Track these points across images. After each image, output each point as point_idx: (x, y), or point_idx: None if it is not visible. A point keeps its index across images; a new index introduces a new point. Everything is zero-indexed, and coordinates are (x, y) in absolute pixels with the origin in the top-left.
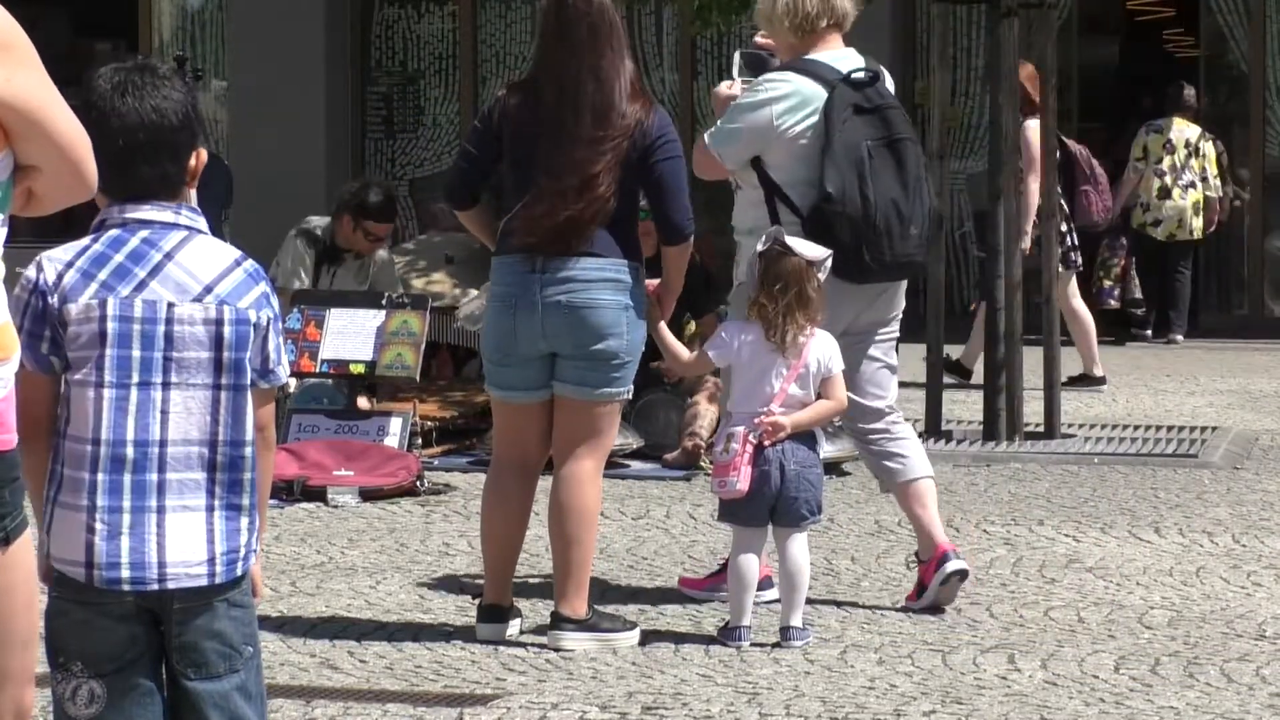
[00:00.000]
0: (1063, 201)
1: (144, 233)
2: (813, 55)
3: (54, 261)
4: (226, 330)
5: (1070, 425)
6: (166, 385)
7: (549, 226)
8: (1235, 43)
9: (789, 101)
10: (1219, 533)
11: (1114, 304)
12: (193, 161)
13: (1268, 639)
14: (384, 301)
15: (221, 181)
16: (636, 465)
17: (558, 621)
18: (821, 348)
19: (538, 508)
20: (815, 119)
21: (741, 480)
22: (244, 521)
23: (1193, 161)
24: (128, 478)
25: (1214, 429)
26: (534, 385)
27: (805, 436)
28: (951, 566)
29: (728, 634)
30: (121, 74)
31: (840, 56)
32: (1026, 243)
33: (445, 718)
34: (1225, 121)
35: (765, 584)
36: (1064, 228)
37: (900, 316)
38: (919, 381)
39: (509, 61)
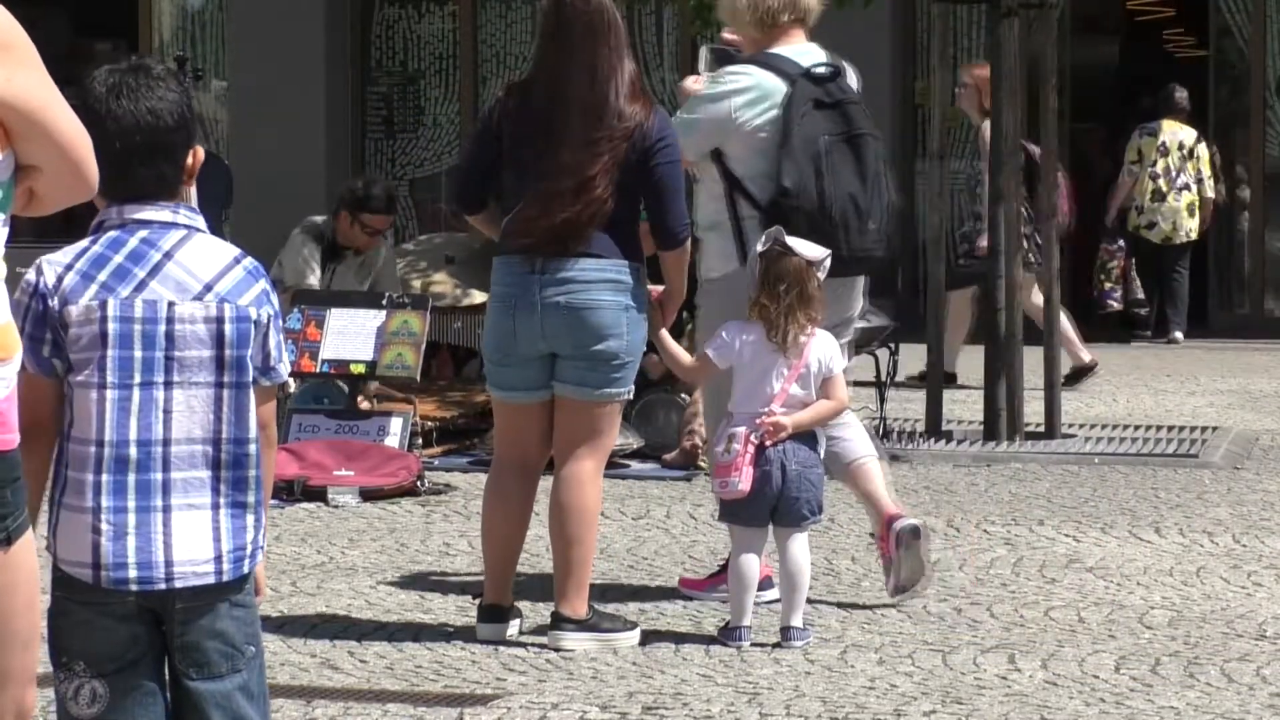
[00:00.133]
0: (1025, 205)
1: (143, 233)
2: (775, 49)
3: (53, 264)
4: (228, 328)
5: (1070, 425)
6: (169, 384)
7: (545, 228)
8: (1244, 42)
9: (749, 95)
10: (1219, 533)
11: (1116, 306)
12: (190, 160)
13: (1268, 639)
14: (384, 301)
15: (221, 181)
16: (636, 465)
17: (558, 621)
18: (822, 348)
19: (538, 508)
20: (775, 113)
21: (743, 481)
22: (250, 519)
23: (1187, 164)
24: (132, 478)
25: (1214, 429)
26: (534, 386)
27: (806, 436)
28: (900, 524)
29: (728, 634)
30: (116, 76)
31: (802, 51)
32: (985, 241)
33: (445, 718)
34: (1232, 121)
35: (765, 584)
36: (1025, 230)
37: (855, 318)
38: (917, 380)
39: (509, 61)
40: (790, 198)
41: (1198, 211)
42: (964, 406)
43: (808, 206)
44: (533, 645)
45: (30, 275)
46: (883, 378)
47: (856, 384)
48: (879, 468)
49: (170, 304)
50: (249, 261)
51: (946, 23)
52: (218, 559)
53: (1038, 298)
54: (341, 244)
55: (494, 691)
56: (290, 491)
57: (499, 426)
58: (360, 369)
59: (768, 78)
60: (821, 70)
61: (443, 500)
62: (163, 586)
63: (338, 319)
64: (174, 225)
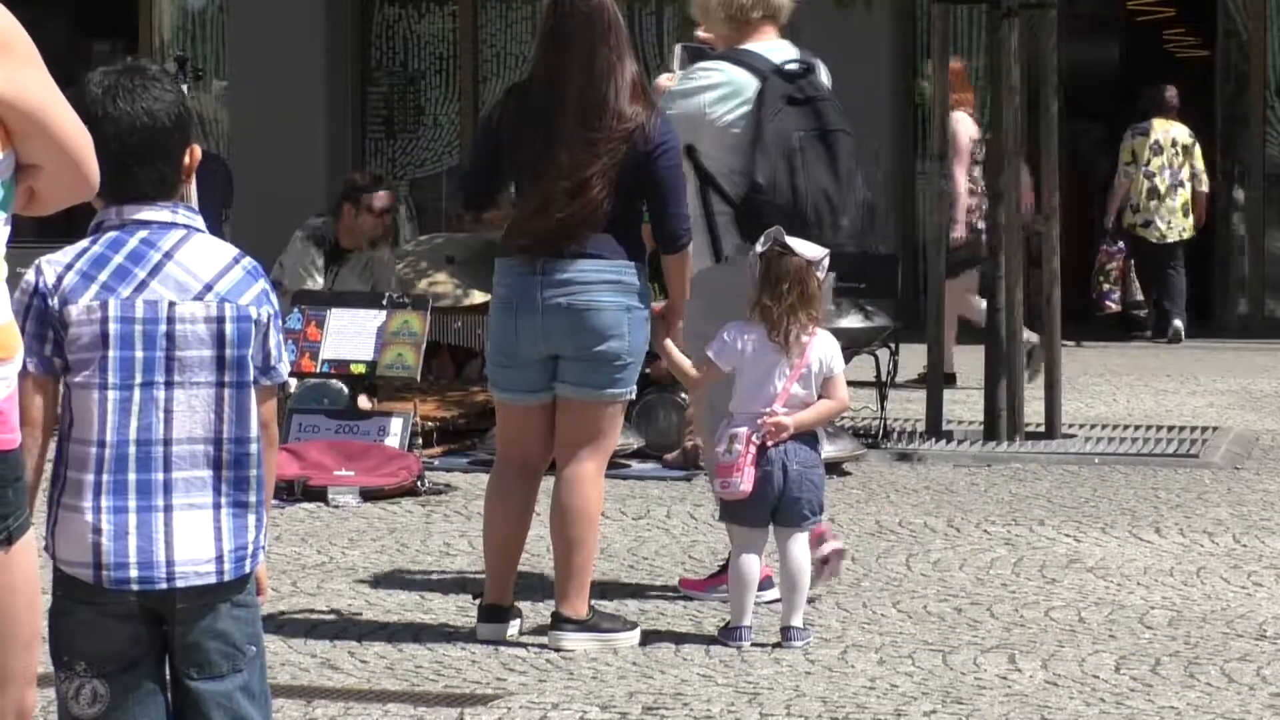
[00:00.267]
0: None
1: (142, 233)
2: (747, 46)
3: (53, 264)
4: (228, 327)
5: (1071, 425)
6: (169, 384)
7: (542, 228)
8: (1245, 42)
9: (720, 90)
10: (1220, 533)
11: (1115, 307)
12: (187, 160)
13: (1268, 639)
14: (385, 302)
15: (221, 181)
16: (637, 465)
17: (558, 622)
18: (823, 347)
19: (540, 508)
20: (747, 109)
21: (745, 481)
22: (251, 519)
23: (1179, 161)
24: (132, 477)
25: (1215, 429)
26: (536, 388)
27: (807, 437)
28: (831, 546)
29: (728, 634)
30: (112, 77)
31: (774, 48)
32: (959, 231)
33: (446, 718)
34: (1233, 121)
35: (765, 584)
36: (981, 225)
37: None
38: (917, 380)
39: (509, 61)
40: (764, 193)
41: (1192, 210)
42: (964, 406)
43: (781, 202)
44: (533, 645)
45: (30, 275)
46: (883, 378)
47: (855, 384)
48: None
49: (171, 304)
50: (248, 261)
51: (946, 23)
52: (219, 559)
53: (978, 300)
54: (345, 244)
55: (494, 691)
56: (290, 491)
57: (501, 427)
58: (360, 369)
59: (739, 74)
60: (793, 67)
61: (443, 500)
62: (164, 586)
63: (338, 319)
64: (173, 225)
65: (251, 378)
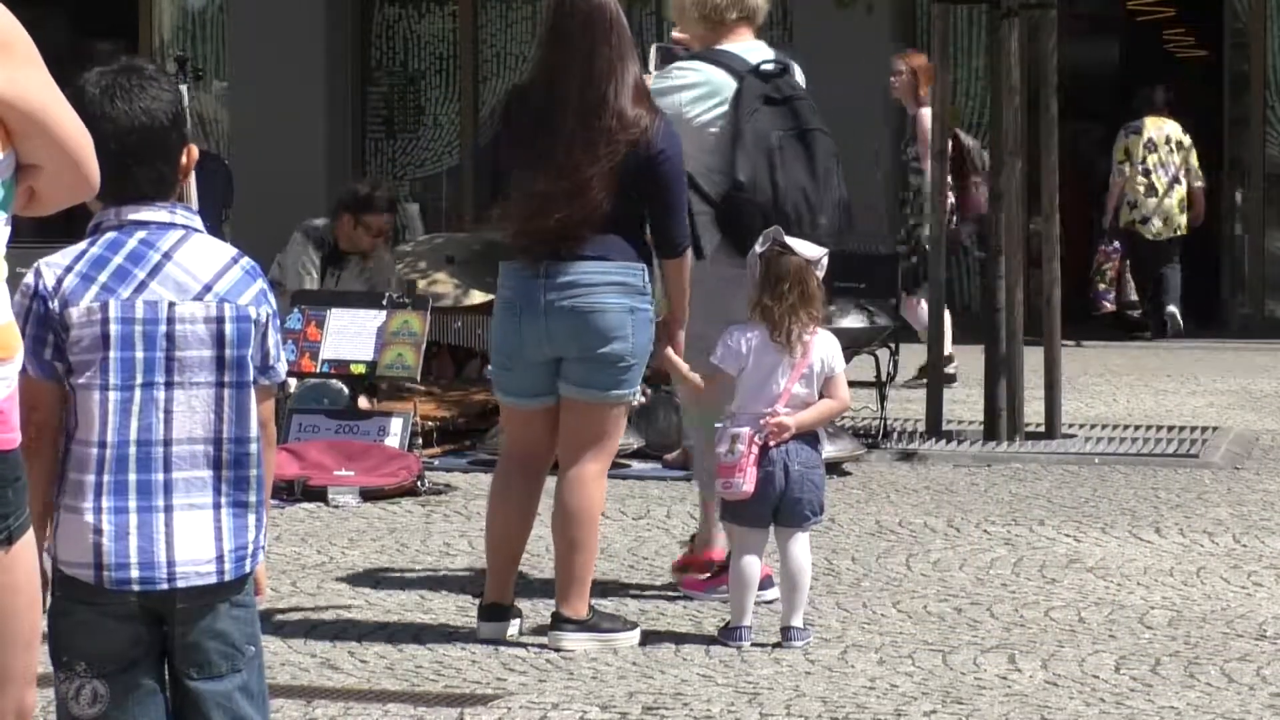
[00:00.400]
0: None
1: (141, 234)
2: (722, 46)
3: (52, 266)
4: (228, 327)
5: (1071, 425)
6: (169, 385)
7: (542, 228)
8: (1245, 42)
9: (698, 90)
10: (1220, 533)
11: (1110, 307)
12: (185, 159)
13: (1268, 639)
14: (385, 302)
15: (221, 181)
16: (637, 465)
17: (558, 622)
18: (824, 347)
19: (540, 509)
20: (724, 108)
21: (747, 482)
22: (251, 518)
23: (1174, 158)
24: (133, 478)
25: (1215, 429)
26: (540, 391)
27: (808, 437)
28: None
29: (728, 634)
30: (109, 77)
31: (750, 48)
32: (929, 232)
33: (446, 718)
34: (1233, 121)
35: (765, 583)
36: (952, 221)
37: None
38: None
39: (509, 61)
40: (745, 191)
41: (1190, 207)
42: (964, 406)
43: (762, 200)
44: (533, 645)
45: (29, 278)
46: (883, 378)
47: (855, 384)
48: None
49: (170, 304)
50: (246, 261)
51: (946, 23)
52: (219, 558)
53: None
54: (344, 248)
55: (494, 691)
56: (290, 491)
57: (505, 428)
58: (360, 369)
59: (716, 73)
60: (769, 67)
61: (443, 500)
62: (165, 587)
63: (338, 319)
64: (172, 226)
65: (251, 378)
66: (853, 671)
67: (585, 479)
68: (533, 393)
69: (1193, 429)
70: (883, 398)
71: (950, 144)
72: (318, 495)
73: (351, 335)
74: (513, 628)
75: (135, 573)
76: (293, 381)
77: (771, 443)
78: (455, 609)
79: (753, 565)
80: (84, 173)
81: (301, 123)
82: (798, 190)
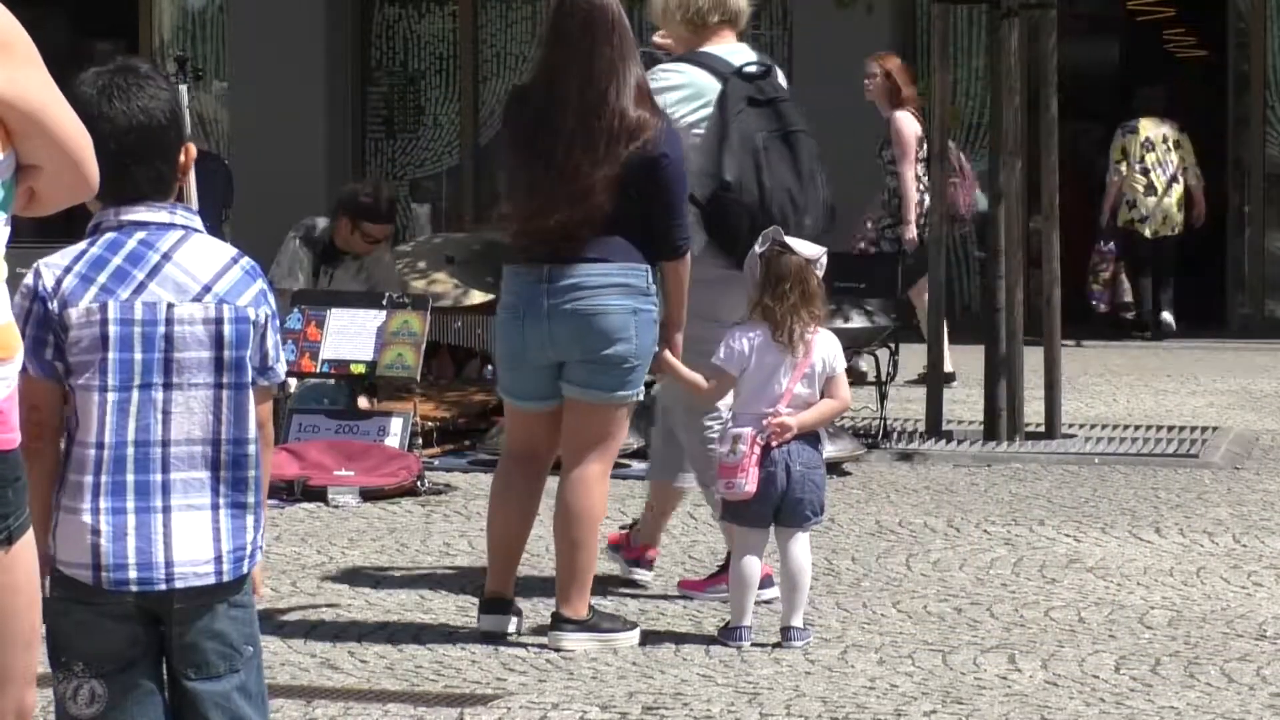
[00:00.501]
0: (926, 195)
1: (140, 234)
2: (706, 49)
3: (51, 267)
4: (226, 329)
5: (1071, 425)
6: (168, 386)
7: (542, 228)
8: (1246, 42)
9: (683, 91)
10: (1219, 533)
11: (1103, 308)
12: (183, 158)
13: (1268, 639)
14: (385, 302)
15: (221, 181)
16: (637, 465)
17: (558, 622)
18: (826, 346)
19: (541, 509)
20: (709, 110)
21: (750, 482)
22: (249, 519)
23: (1171, 156)
24: (130, 478)
25: (1214, 429)
26: (545, 394)
27: (809, 437)
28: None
29: (728, 634)
30: (105, 77)
31: (732, 50)
32: (911, 232)
33: (445, 718)
34: (1238, 121)
35: (765, 582)
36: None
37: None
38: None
39: (509, 61)
40: (732, 192)
41: (1189, 205)
42: (964, 406)
43: (748, 200)
44: (533, 645)
45: (29, 278)
46: (883, 378)
47: (855, 384)
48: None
49: (169, 305)
50: (246, 261)
51: (946, 22)
52: (218, 559)
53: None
54: (340, 249)
55: (494, 691)
56: (290, 491)
57: (509, 426)
58: (360, 369)
59: (701, 75)
60: (752, 69)
61: (443, 500)
62: (163, 587)
63: (338, 319)
64: (171, 226)
65: (250, 379)
66: (853, 671)
67: (588, 480)
68: (536, 395)
69: (1193, 429)
70: (883, 397)
71: (927, 146)
72: (318, 495)
73: (351, 335)
74: (512, 625)
75: (133, 573)
76: (293, 381)
77: (774, 443)
78: (455, 609)
79: (753, 565)
80: (84, 173)
81: (301, 123)
82: (783, 191)
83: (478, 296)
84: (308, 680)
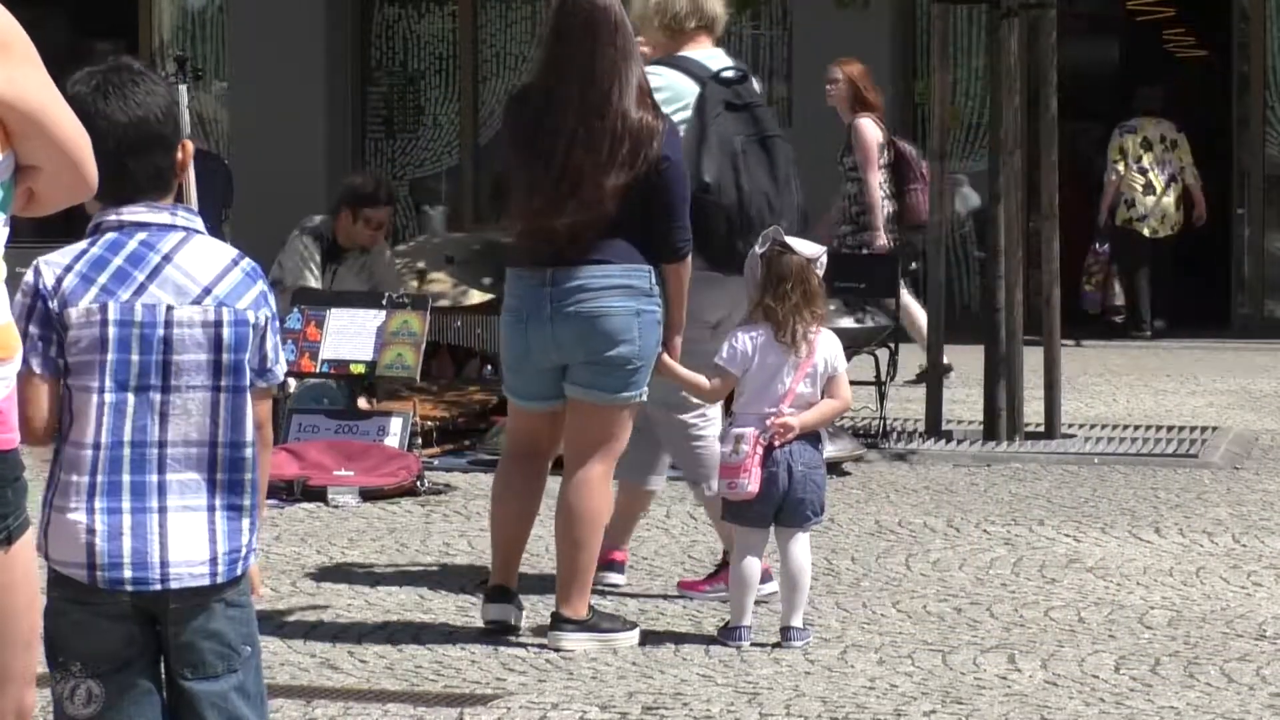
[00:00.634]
0: (892, 200)
1: (141, 235)
2: (683, 53)
3: (52, 265)
4: (225, 332)
5: (1070, 425)
6: (165, 388)
7: (544, 229)
8: (1245, 42)
9: (661, 95)
10: (1219, 533)
11: (1095, 310)
12: (180, 154)
13: (1268, 639)
14: (384, 301)
15: (221, 181)
16: None
17: (558, 622)
18: (827, 346)
19: (542, 509)
20: (687, 113)
21: (753, 482)
22: (245, 522)
23: (1170, 155)
24: (126, 479)
25: (1214, 429)
26: (549, 395)
27: (810, 437)
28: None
29: (728, 634)
30: (99, 76)
31: (709, 55)
32: (881, 239)
33: (445, 718)
34: (1238, 121)
35: (764, 577)
36: (895, 236)
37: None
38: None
39: (509, 61)
40: (711, 194)
41: (1188, 204)
42: (964, 406)
43: (727, 203)
44: (533, 645)
45: (29, 276)
46: (882, 377)
47: (855, 384)
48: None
49: (169, 308)
50: (247, 263)
51: (946, 23)
52: (213, 560)
53: (920, 313)
54: (343, 243)
55: (494, 691)
56: (290, 491)
57: (511, 424)
58: (360, 369)
59: (679, 79)
60: (729, 74)
61: (443, 500)
62: (158, 587)
63: (338, 319)
64: (172, 227)
65: (248, 382)
66: (852, 671)
67: (591, 480)
68: (540, 396)
69: (1192, 429)
70: (882, 397)
71: (892, 151)
72: (317, 495)
73: (351, 335)
74: (516, 616)
75: (128, 572)
76: (292, 381)
77: (776, 443)
78: (455, 609)
79: (753, 565)
80: (83, 173)
81: (301, 123)
82: (761, 194)
83: (477, 296)
84: (307, 680)
